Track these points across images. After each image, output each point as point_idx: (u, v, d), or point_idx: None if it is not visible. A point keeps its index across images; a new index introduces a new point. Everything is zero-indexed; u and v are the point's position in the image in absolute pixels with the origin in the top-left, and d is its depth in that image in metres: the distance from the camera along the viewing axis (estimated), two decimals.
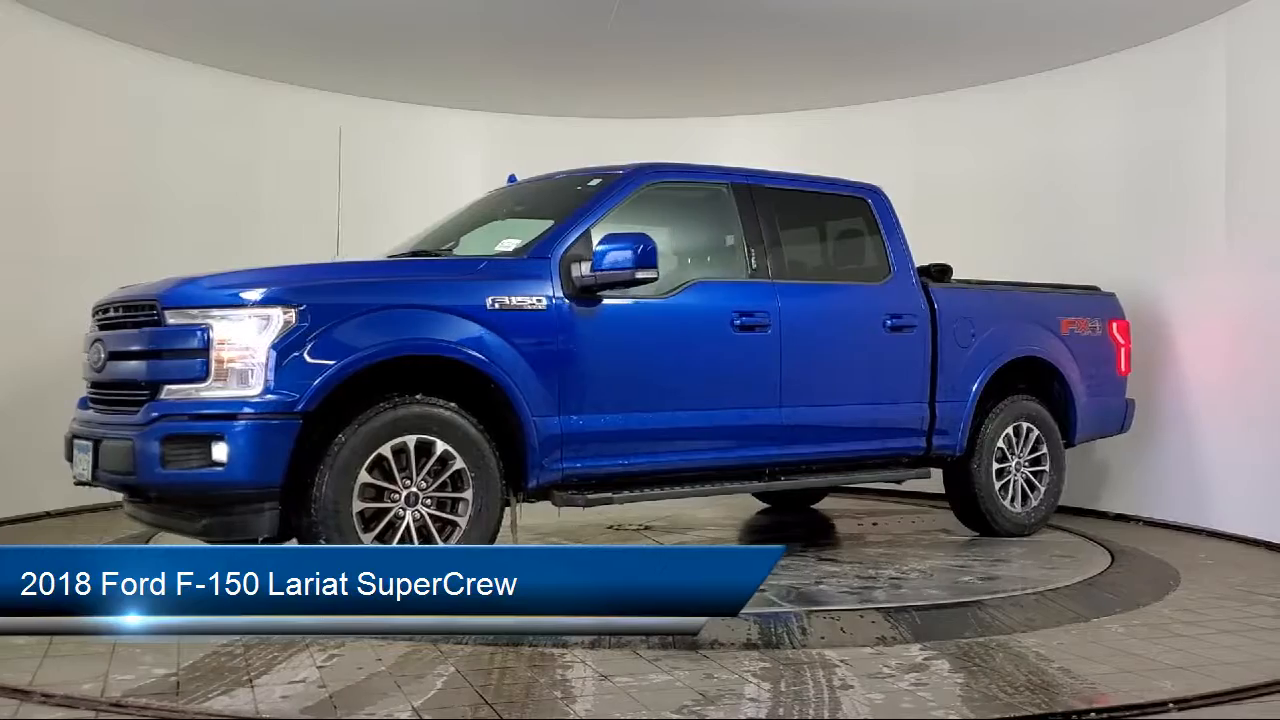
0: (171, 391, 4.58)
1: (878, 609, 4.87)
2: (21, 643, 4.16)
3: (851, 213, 6.58)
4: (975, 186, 8.95)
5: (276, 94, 8.99)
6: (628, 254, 5.09)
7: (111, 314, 5.00)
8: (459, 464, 4.85)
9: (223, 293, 4.65)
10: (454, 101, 9.69)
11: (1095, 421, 7.32)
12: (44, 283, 7.33)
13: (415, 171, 9.54)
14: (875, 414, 6.27)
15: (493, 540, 4.94)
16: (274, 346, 4.53)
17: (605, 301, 5.29)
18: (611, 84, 9.20)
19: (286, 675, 3.87)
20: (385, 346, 4.72)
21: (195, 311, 4.60)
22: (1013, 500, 6.90)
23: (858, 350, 6.21)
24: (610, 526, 7.07)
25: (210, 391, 4.51)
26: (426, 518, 4.79)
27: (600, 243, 5.20)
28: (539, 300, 5.13)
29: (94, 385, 5.11)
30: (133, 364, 4.76)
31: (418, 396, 4.84)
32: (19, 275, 7.31)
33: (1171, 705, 3.73)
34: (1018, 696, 3.75)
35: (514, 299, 5.07)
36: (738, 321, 5.67)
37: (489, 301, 5.01)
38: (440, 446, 4.81)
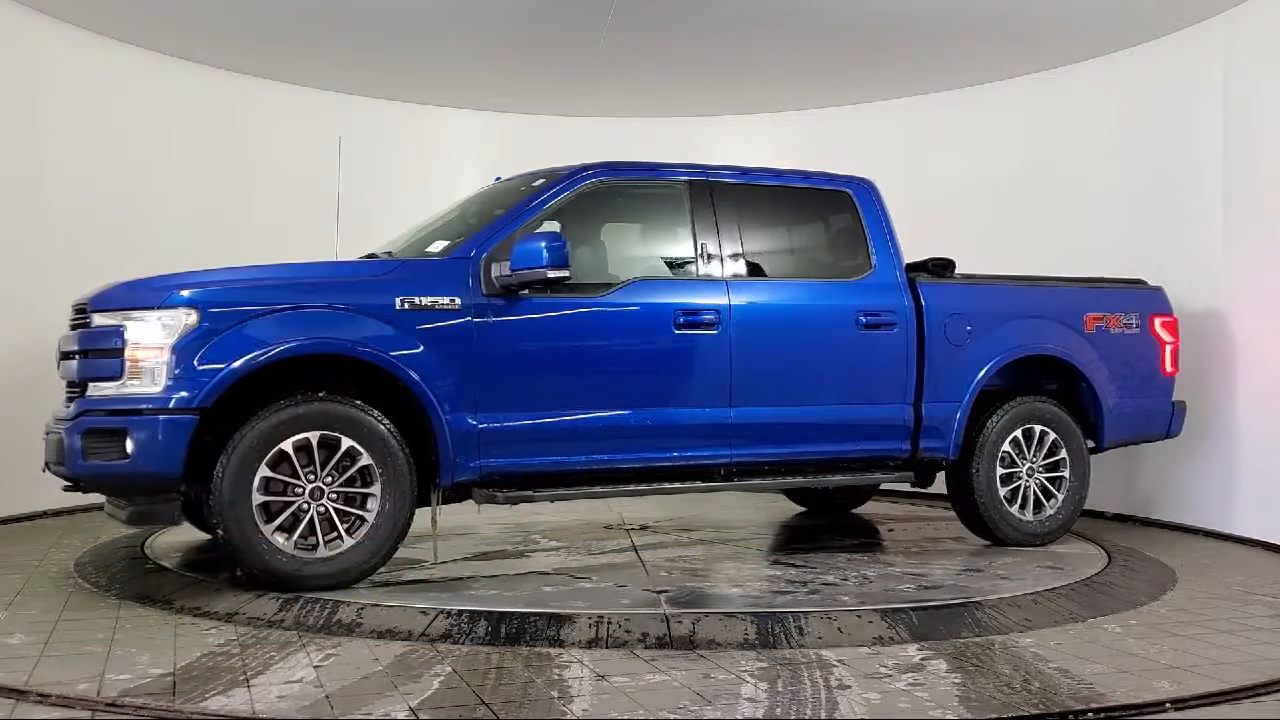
0: (96, 388, 4.87)
1: (876, 609, 4.84)
2: (17, 642, 4.17)
3: (834, 208, 6.38)
4: (973, 186, 8.94)
5: (275, 93, 9.00)
6: (540, 253, 5.12)
7: (70, 317, 5.26)
8: (365, 460, 4.98)
9: (137, 295, 4.92)
10: (453, 100, 9.71)
11: (1131, 425, 6.78)
12: (42, 283, 7.30)
13: (414, 171, 9.54)
14: (846, 415, 6.03)
15: (403, 535, 5.10)
16: (175, 346, 4.77)
17: (530, 301, 5.31)
18: (610, 83, 9.20)
19: (283, 675, 3.86)
20: (283, 346, 4.87)
21: (116, 314, 4.89)
22: (1023, 508, 6.45)
23: (824, 349, 5.98)
24: (607, 526, 7.06)
25: (125, 389, 4.80)
26: (332, 512, 4.93)
27: (517, 243, 5.24)
28: (453, 300, 5.20)
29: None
30: (72, 363, 5.02)
31: (320, 394, 4.97)
32: (17, 275, 7.31)
33: (1168, 705, 3.73)
34: (1015, 697, 3.75)
35: (425, 299, 5.16)
36: (681, 320, 5.62)
37: (398, 302, 5.11)
38: (346, 443, 4.96)
